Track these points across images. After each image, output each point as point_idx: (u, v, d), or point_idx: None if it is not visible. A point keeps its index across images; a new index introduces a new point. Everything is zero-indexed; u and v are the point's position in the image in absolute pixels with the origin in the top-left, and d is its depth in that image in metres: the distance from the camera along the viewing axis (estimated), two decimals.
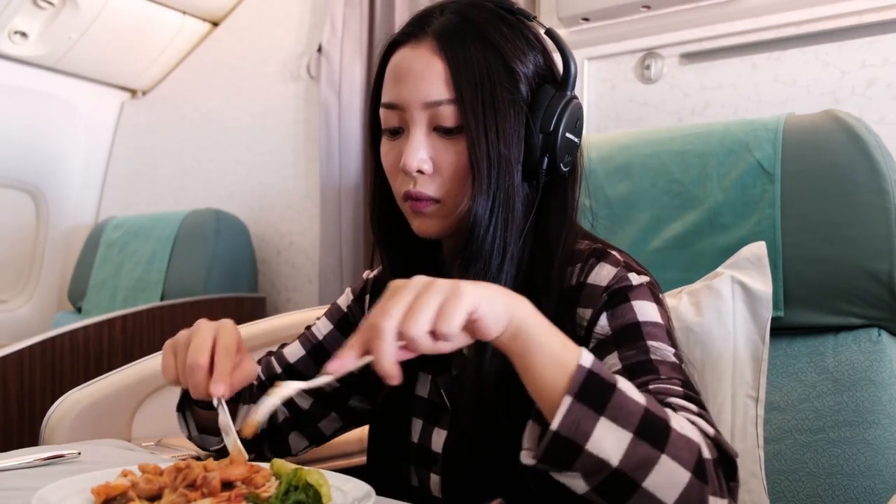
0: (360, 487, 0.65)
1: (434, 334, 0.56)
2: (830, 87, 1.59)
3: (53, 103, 2.97)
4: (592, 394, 0.57)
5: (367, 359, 0.57)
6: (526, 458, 0.60)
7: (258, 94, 2.75)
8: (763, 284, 1.00)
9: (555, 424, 0.57)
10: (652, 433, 0.58)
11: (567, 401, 0.57)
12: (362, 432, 0.94)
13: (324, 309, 1.03)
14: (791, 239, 1.02)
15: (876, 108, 1.53)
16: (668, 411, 0.61)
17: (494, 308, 0.58)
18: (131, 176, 3.18)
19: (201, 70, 2.95)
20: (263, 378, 0.96)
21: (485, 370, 0.75)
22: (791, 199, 1.03)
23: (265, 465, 0.67)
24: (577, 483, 0.59)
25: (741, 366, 0.99)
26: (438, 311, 0.55)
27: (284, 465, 0.63)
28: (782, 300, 1.02)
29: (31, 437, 1.90)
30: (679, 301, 1.03)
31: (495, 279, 0.76)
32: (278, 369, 0.96)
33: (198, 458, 1.11)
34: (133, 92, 3.18)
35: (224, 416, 0.70)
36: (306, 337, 0.98)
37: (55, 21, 2.63)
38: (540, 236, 0.80)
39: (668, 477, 0.57)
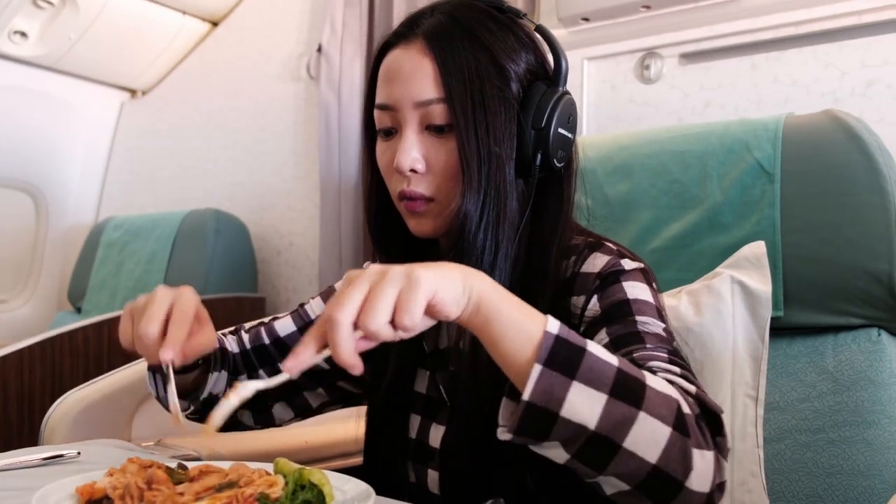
0: (359, 487, 0.65)
1: (394, 324, 0.56)
2: (830, 87, 1.59)
3: (53, 103, 2.97)
4: (562, 359, 0.57)
5: (325, 353, 0.57)
6: (502, 433, 0.59)
7: (258, 94, 2.75)
8: (762, 284, 1.00)
9: (527, 394, 0.56)
10: (627, 392, 0.58)
11: (537, 369, 0.56)
12: (359, 432, 0.94)
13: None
14: (791, 239, 1.02)
15: (876, 108, 1.53)
16: (645, 371, 0.61)
17: (453, 289, 0.58)
18: (131, 176, 3.18)
19: (201, 70, 2.95)
20: (249, 347, 0.95)
21: (482, 365, 0.75)
22: (791, 199, 1.03)
23: (264, 466, 0.67)
24: (556, 453, 0.59)
25: (741, 366, 0.99)
26: (397, 303, 0.55)
27: (288, 465, 0.64)
28: (782, 300, 1.02)
29: (30, 437, 1.90)
30: (678, 301, 1.03)
31: (489, 275, 0.76)
32: (267, 340, 0.95)
33: (197, 458, 1.11)
34: (133, 92, 3.18)
35: (169, 385, 0.69)
36: (299, 314, 0.98)
37: (55, 21, 2.62)
38: (535, 233, 0.80)
39: (648, 434, 0.57)
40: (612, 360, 0.60)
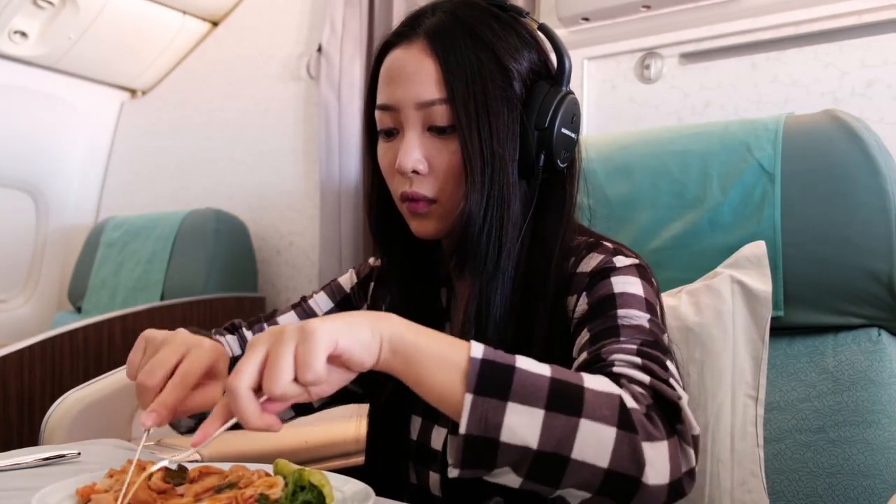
0: (359, 488, 0.65)
1: (301, 384, 0.54)
2: (830, 87, 1.59)
3: (53, 103, 2.96)
4: (491, 383, 0.56)
5: (231, 422, 0.56)
6: (451, 472, 0.58)
7: (258, 94, 2.75)
8: (763, 284, 1.00)
9: (462, 427, 0.55)
10: (564, 401, 0.56)
11: (468, 399, 0.55)
12: (359, 432, 0.94)
13: None
14: (791, 239, 1.02)
15: (876, 108, 1.53)
16: (583, 374, 0.60)
17: (358, 336, 0.56)
18: (131, 176, 3.18)
19: (201, 70, 2.95)
20: None
21: None
22: (791, 199, 1.03)
23: (263, 467, 0.67)
24: (509, 478, 0.58)
25: (741, 365, 0.99)
26: (296, 359, 0.54)
27: (288, 466, 0.64)
28: (782, 300, 1.02)
29: (31, 437, 1.90)
30: (679, 301, 1.03)
31: (492, 277, 0.76)
32: None
33: (197, 459, 1.11)
34: (133, 92, 3.18)
35: (138, 451, 0.66)
36: (303, 309, 0.96)
37: (55, 21, 2.62)
38: (538, 234, 0.80)
39: (594, 439, 0.56)
40: (544, 370, 0.58)
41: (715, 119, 1.70)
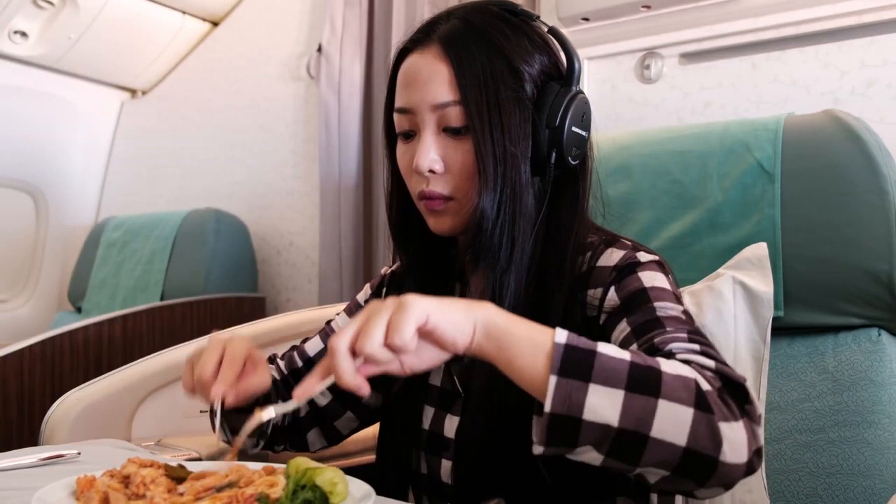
0: (360, 488, 0.65)
1: (390, 347, 0.59)
2: (830, 87, 1.59)
3: (53, 103, 2.96)
4: (575, 366, 0.59)
5: (330, 379, 0.62)
6: (536, 449, 0.61)
7: (258, 94, 2.75)
8: (764, 285, 1.00)
9: (547, 406, 0.59)
10: (643, 383, 0.59)
11: (553, 380, 0.59)
12: (363, 432, 0.94)
13: (323, 309, 1.05)
14: (791, 239, 1.02)
15: (876, 108, 1.53)
16: (658, 359, 0.63)
17: (450, 317, 0.61)
18: (131, 176, 3.18)
19: (201, 70, 2.95)
20: (286, 373, 0.98)
21: None
22: (791, 199, 1.03)
23: (258, 466, 0.67)
24: (591, 456, 0.60)
25: (742, 366, 0.99)
26: (388, 325, 0.59)
27: (300, 465, 0.63)
28: (782, 300, 1.02)
29: (30, 437, 1.90)
30: None
31: (505, 272, 0.79)
32: (299, 363, 0.98)
33: (198, 458, 1.11)
34: (133, 92, 3.18)
35: (218, 418, 0.76)
36: (325, 332, 1.01)
37: (55, 21, 2.62)
38: (552, 229, 0.82)
39: (672, 419, 0.58)
40: (624, 355, 0.61)
41: (715, 119, 1.70)
